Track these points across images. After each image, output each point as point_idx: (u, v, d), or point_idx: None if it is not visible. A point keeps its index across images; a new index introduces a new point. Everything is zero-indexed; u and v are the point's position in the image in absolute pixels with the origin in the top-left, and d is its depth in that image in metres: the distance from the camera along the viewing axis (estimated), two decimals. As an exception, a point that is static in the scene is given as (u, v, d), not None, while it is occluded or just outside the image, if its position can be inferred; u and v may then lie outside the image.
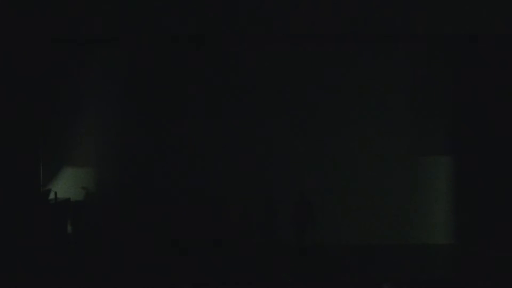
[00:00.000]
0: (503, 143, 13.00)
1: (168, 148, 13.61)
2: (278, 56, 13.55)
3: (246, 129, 13.57)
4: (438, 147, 13.59)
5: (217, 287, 10.41)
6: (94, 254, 12.63)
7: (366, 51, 13.49)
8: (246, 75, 13.59)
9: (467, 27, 11.71)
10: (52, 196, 13.05)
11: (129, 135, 13.64)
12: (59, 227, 12.79)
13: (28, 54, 12.52)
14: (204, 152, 13.56)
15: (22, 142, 12.42)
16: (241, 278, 10.79)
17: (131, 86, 13.67)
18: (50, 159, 13.44)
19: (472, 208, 13.23)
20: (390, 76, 13.56)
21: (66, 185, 13.57)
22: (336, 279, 10.76)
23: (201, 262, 11.99)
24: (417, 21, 11.70)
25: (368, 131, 13.53)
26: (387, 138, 13.54)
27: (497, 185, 12.98)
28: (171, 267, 11.59)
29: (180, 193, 13.49)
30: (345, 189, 13.39)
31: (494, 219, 12.91)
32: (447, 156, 13.59)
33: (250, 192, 13.28)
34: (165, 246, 13.13)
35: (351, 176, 13.47)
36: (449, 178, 13.61)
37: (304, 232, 12.51)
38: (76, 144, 13.65)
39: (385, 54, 13.51)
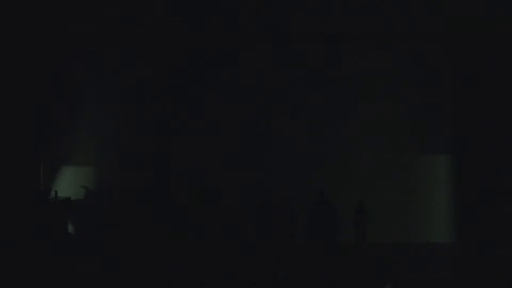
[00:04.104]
0: (503, 143, 13.01)
1: (169, 147, 13.62)
2: (277, 56, 13.54)
3: (245, 128, 13.58)
4: (438, 147, 13.59)
5: (218, 287, 10.43)
6: (94, 254, 12.65)
7: (366, 51, 13.48)
8: (247, 74, 13.59)
9: (467, 27, 11.72)
10: (52, 195, 13.07)
11: (130, 135, 13.65)
12: (59, 227, 12.79)
13: (28, 54, 12.54)
14: (205, 152, 13.56)
15: (22, 142, 12.45)
16: (241, 278, 10.81)
17: (132, 85, 13.66)
18: (50, 159, 13.45)
19: (472, 207, 13.23)
20: (390, 75, 13.55)
21: (67, 184, 13.58)
22: (336, 279, 10.77)
23: (201, 262, 12.00)
24: (417, 21, 11.71)
25: (368, 131, 13.54)
26: (387, 137, 13.54)
27: (497, 185, 12.99)
28: (171, 267, 11.60)
29: (181, 193, 13.50)
30: (345, 189, 13.38)
31: (494, 219, 12.92)
32: (447, 156, 13.60)
33: (249, 193, 13.34)
34: (165, 245, 13.14)
35: (351, 175, 13.47)
36: (449, 177, 13.61)
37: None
38: (76, 143, 13.64)
39: (385, 54, 13.50)
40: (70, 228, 13.42)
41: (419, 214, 13.55)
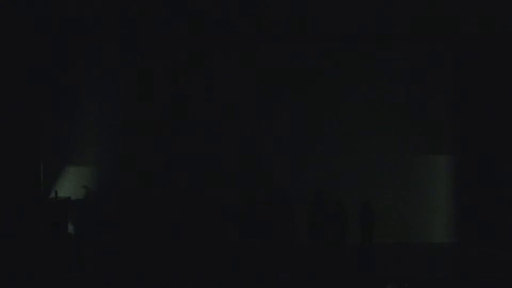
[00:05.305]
0: (503, 143, 13.03)
1: (169, 147, 13.62)
2: (277, 56, 13.54)
3: (246, 128, 13.59)
4: (438, 147, 13.60)
5: (217, 287, 10.43)
6: (94, 254, 12.66)
7: (366, 51, 13.48)
8: (246, 74, 13.59)
9: (467, 27, 11.72)
10: (52, 195, 13.07)
11: (130, 135, 13.65)
12: (59, 227, 12.78)
13: (28, 54, 12.53)
14: (205, 152, 13.56)
15: (22, 142, 12.45)
16: (241, 278, 10.82)
17: (132, 85, 13.67)
18: (50, 159, 13.45)
19: (472, 207, 13.24)
20: (390, 75, 13.56)
21: (67, 184, 13.58)
22: (336, 279, 10.78)
23: (201, 262, 12.00)
24: (417, 21, 11.71)
25: (368, 130, 13.54)
26: (387, 137, 13.54)
27: (497, 185, 13.01)
28: (171, 267, 11.60)
29: (180, 193, 13.50)
30: (345, 189, 13.37)
31: (494, 219, 12.93)
32: (447, 156, 13.60)
33: (249, 193, 13.35)
34: (165, 246, 13.14)
35: (350, 175, 13.47)
36: (448, 177, 13.61)
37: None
38: (76, 143, 13.64)
39: (385, 54, 13.50)
40: (70, 228, 13.42)
41: (419, 214, 13.54)
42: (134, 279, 10.72)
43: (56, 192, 13.07)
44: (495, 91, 13.04)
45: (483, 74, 13.13)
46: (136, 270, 11.36)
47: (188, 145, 13.60)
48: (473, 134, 13.30)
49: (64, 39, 12.99)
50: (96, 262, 12.10)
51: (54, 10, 11.74)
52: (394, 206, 13.49)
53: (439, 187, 13.59)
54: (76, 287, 10.51)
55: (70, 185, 13.58)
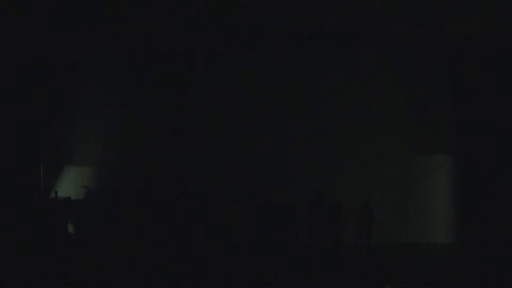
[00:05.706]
0: (503, 143, 13.03)
1: (169, 147, 13.63)
2: (277, 55, 13.55)
3: (246, 128, 13.60)
4: (438, 147, 13.60)
5: (217, 287, 10.44)
6: (94, 254, 12.67)
7: (366, 51, 13.49)
8: (247, 75, 13.60)
9: (467, 27, 11.73)
10: (52, 195, 13.08)
11: (130, 135, 13.66)
12: (59, 227, 12.79)
13: (28, 54, 12.55)
14: (205, 152, 13.57)
15: (22, 142, 12.47)
16: (242, 278, 10.82)
17: (132, 85, 13.68)
18: (50, 159, 13.46)
19: (472, 207, 13.25)
20: (390, 75, 13.56)
21: (67, 184, 13.59)
22: (336, 279, 10.78)
23: (201, 262, 12.00)
24: (417, 21, 11.72)
25: (368, 130, 13.54)
26: (387, 137, 13.55)
27: (497, 185, 13.01)
28: (171, 267, 11.60)
29: (180, 193, 13.50)
30: (345, 189, 13.38)
31: (494, 219, 12.93)
32: (447, 156, 13.60)
33: (249, 193, 13.35)
34: (165, 246, 13.15)
35: (351, 175, 13.48)
36: (448, 177, 13.61)
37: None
38: (76, 143, 13.65)
39: (385, 54, 13.51)
40: (70, 228, 13.43)
41: (419, 214, 13.55)
42: (134, 279, 10.73)
43: (56, 192, 13.09)
44: (495, 91, 13.04)
45: (483, 74, 13.14)
46: (136, 270, 11.36)
47: (188, 145, 13.61)
48: (473, 134, 13.31)
49: (64, 39, 12.99)
50: (96, 262, 12.10)
51: (54, 10, 11.76)
52: (394, 206, 13.50)
53: (439, 187, 13.59)
54: (76, 287, 10.52)
55: (70, 185, 13.60)
